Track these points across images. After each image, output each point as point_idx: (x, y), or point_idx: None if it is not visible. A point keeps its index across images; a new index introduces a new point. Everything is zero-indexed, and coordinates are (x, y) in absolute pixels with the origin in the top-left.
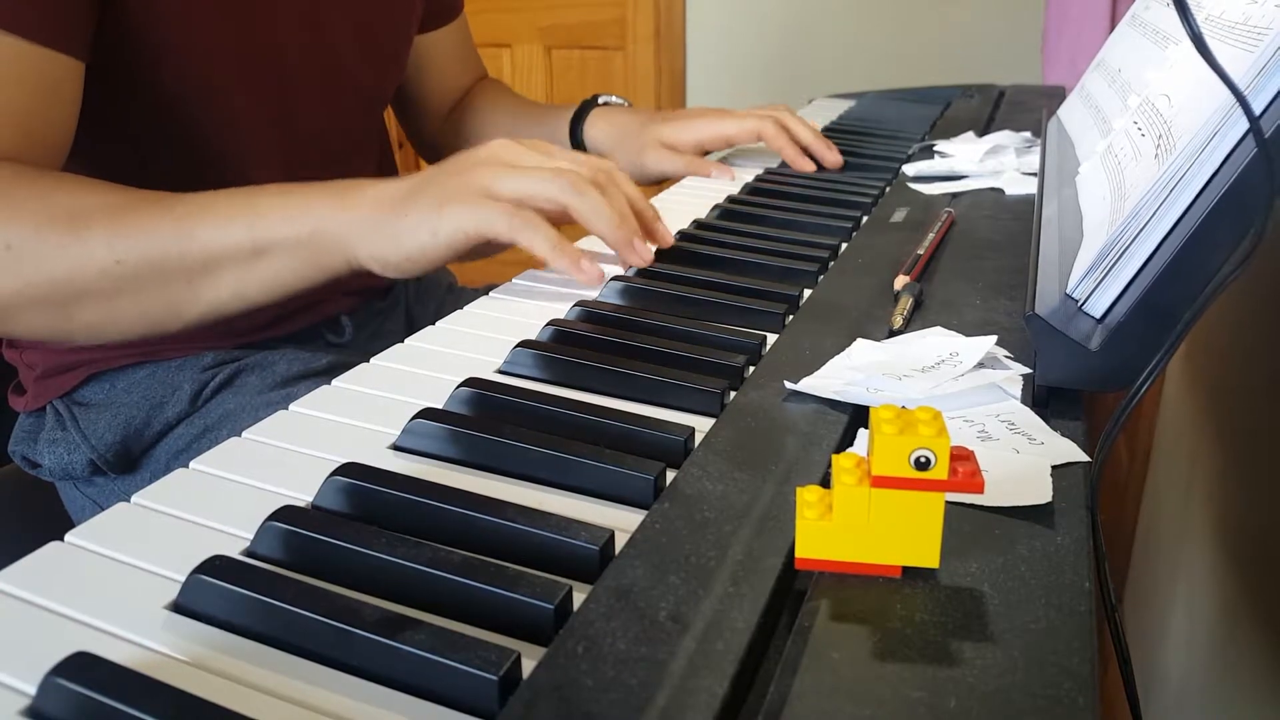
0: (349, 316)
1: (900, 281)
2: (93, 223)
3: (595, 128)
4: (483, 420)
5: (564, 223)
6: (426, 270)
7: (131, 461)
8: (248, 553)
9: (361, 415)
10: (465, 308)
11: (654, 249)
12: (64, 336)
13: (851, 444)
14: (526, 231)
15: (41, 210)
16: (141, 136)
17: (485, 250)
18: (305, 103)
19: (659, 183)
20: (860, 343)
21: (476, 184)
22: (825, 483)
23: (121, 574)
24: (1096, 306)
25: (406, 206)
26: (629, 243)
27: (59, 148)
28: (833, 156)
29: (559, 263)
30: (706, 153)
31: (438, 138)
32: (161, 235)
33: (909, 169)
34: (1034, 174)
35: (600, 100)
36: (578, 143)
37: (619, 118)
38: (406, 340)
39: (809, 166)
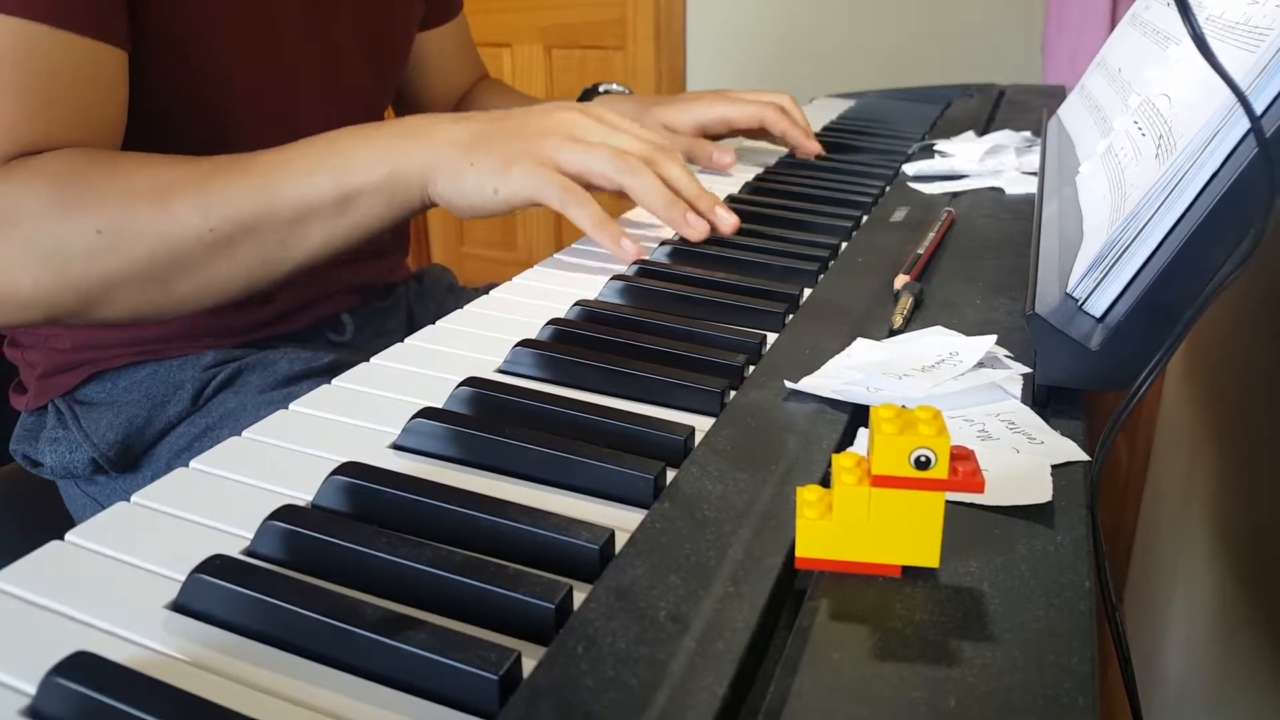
0: (350, 315)
1: (900, 281)
2: (178, 194)
3: None
4: (483, 420)
5: (619, 196)
6: (483, 217)
7: (133, 460)
8: (248, 552)
9: (361, 415)
10: (465, 307)
11: (706, 224)
12: (160, 312)
13: (851, 443)
14: (574, 206)
15: (125, 189)
16: (145, 136)
17: (533, 206)
18: (306, 102)
19: None
20: (860, 342)
21: (542, 152)
22: (825, 482)
23: (122, 573)
24: (1097, 306)
25: (475, 155)
26: (682, 218)
27: (116, 138)
28: (815, 146)
29: (600, 237)
30: (713, 136)
31: None
32: (249, 196)
33: (909, 168)
34: (1034, 174)
35: (601, 89)
36: None
37: (620, 105)
38: (407, 340)
39: (816, 148)
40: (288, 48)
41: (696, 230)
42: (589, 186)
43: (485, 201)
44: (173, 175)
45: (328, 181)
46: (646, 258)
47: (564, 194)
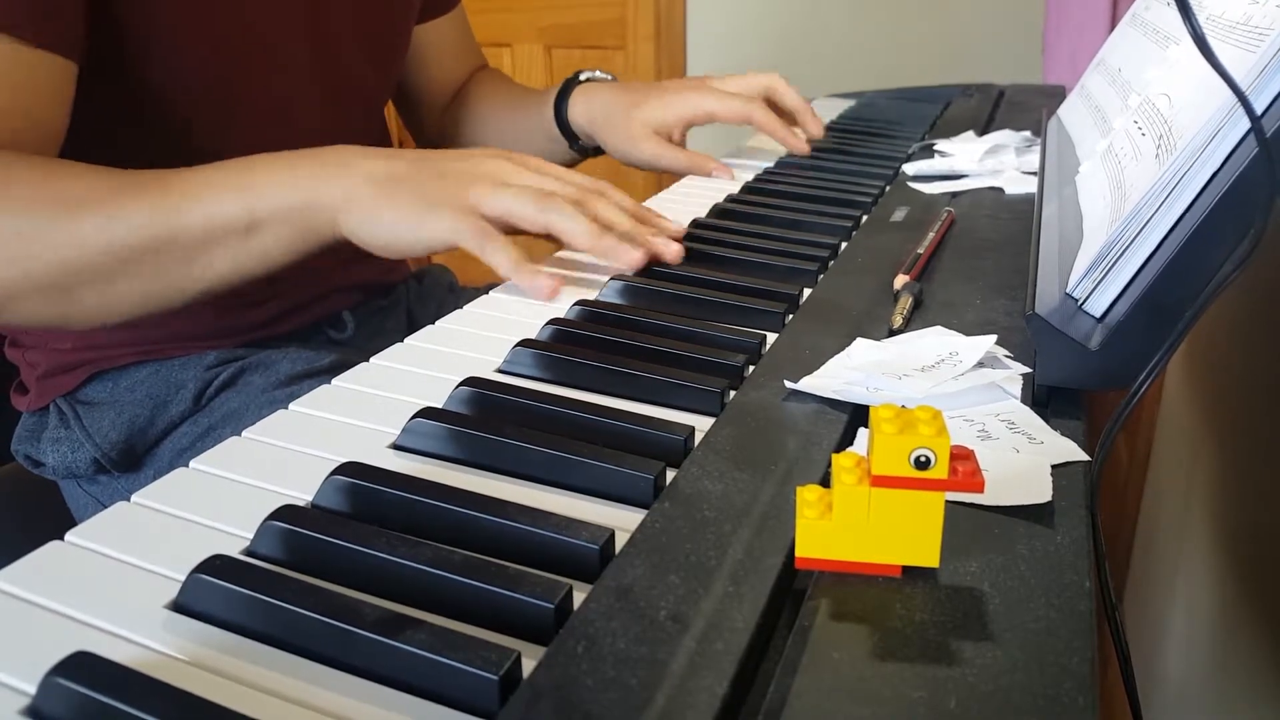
0: (351, 312)
1: (900, 281)
2: (88, 206)
3: (578, 107)
4: (483, 419)
5: (546, 237)
6: (400, 257)
7: (135, 460)
8: (248, 552)
9: (361, 415)
10: (465, 307)
11: (641, 251)
12: (64, 322)
13: (851, 443)
14: (490, 250)
15: (37, 196)
16: (136, 139)
17: (452, 248)
18: (304, 100)
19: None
20: (860, 342)
21: (464, 198)
22: (825, 482)
23: (121, 573)
24: (1097, 306)
25: (394, 194)
26: (613, 247)
27: (50, 150)
28: (815, 127)
29: (518, 279)
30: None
31: (437, 131)
32: (157, 214)
33: (909, 168)
34: (1034, 173)
35: (583, 76)
36: (563, 123)
37: (602, 95)
38: (406, 340)
39: (804, 148)
40: (282, 43)
41: (628, 258)
42: (513, 230)
43: (401, 244)
44: (88, 185)
45: (235, 206)
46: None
47: (481, 238)
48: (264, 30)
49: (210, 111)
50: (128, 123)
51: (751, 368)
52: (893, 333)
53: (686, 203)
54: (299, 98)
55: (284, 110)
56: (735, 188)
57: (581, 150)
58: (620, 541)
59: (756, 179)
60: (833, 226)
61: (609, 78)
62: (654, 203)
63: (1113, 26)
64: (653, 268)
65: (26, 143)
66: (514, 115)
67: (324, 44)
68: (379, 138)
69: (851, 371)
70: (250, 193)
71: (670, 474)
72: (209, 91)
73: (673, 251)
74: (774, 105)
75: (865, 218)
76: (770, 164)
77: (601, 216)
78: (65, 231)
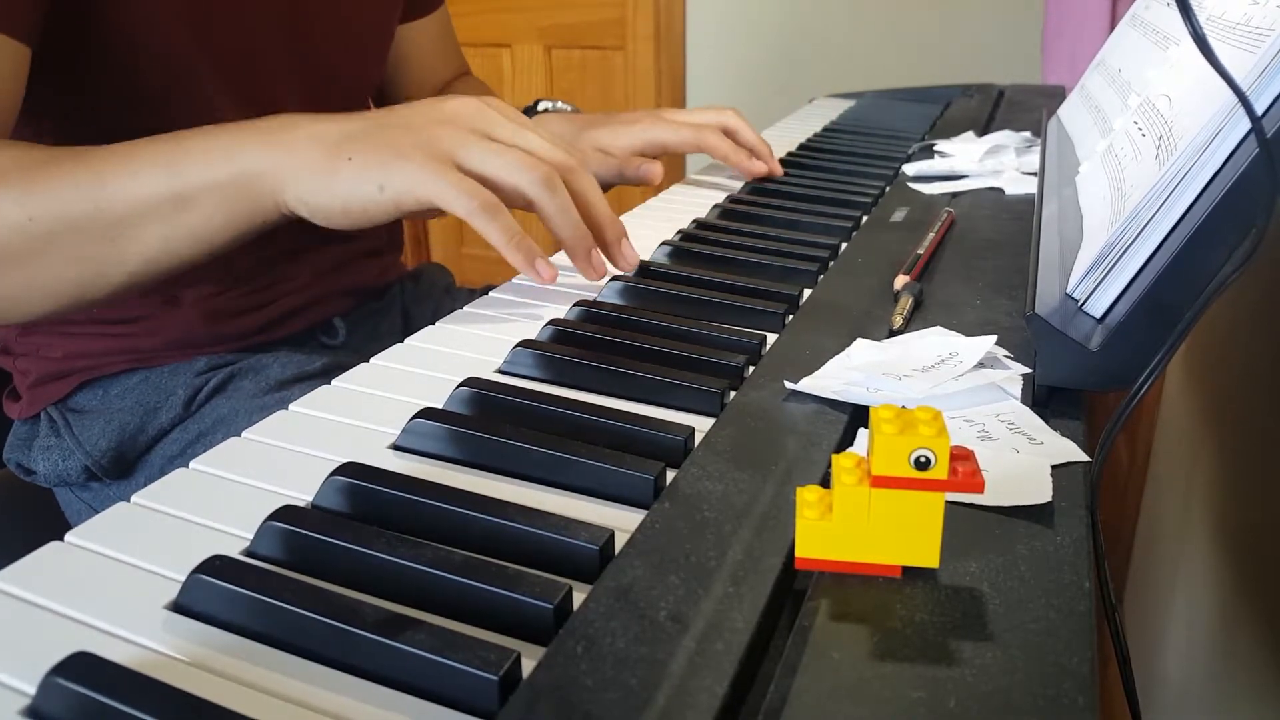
0: (343, 319)
1: (900, 281)
2: (4, 181)
3: None
4: (482, 420)
5: (523, 209)
6: (365, 226)
7: (127, 467)
8: (248, 552)
9: (361, 415)
10: (465, 307)
11: (606, 268)
12: None
13: (851, 444)
14: (484, 218)
15: None
16: (110, 136)
17: (428, 214)
18: (283, 97)
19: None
20: (860, 343)
21: (440, 146)
22: (825, 483)
23: (121, 574)
24: (1097, 306)
25: (351, 149)
26: (587, 254)
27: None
28: (774, 166)
29: (514, 258)
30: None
31: None
32: (76, 189)
33: (909, 169)
34: (1034, 174)
35: (541, 106)
36: None
37: (553, 125)
38: (406, 340)
39: (761, 169)
40: (263, 43)
41: (596, 271)
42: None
43: (365, 203)
44: (6, 160)
45: (161, 177)
46: (646, 259)
47: (470, 200)
48: (239, 26)
49: (183, 110)
50: (95, 121)
51: (751, 368)
52: (893, 333)
53: (687, 203)
54: (278, 96)
55: (262, 109)
56: (736, 187)
57: None
58: (620, 542)
59: (757, 179)
60: (833, 227)
61: (569, 109)
62: (656, 203)
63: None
64: (653, 268)
65: None
66: None
67: (303, 40)
68: None
69: (851, 372)
70: (179, 164)
71: (670, 474)
72: (182, 90)
73: (631, 262)
74: (731, 140)
75: (865, 218)
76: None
77: (583, 192)
78: None
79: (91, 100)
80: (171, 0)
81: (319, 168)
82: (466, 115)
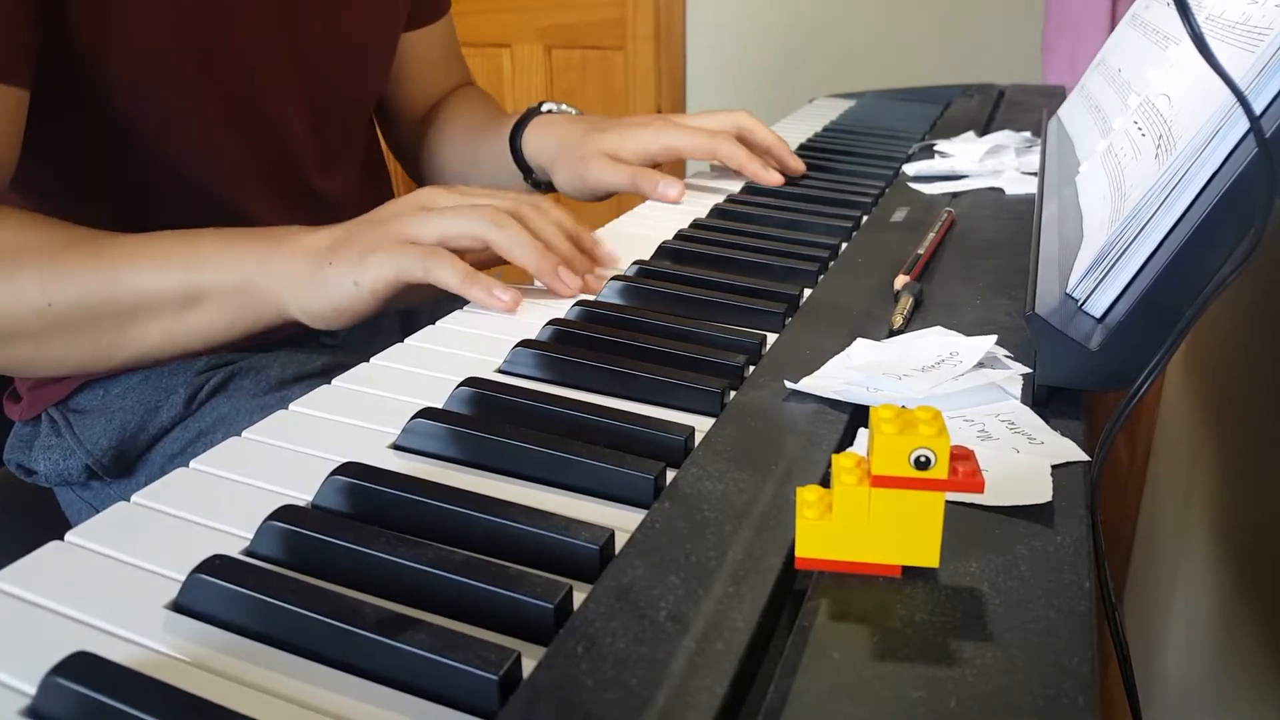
0: None
1: (900, 281)
2: (25, 263)
3: (533, 138)
4: (483, 420)
5: (495, 262)
6: (355, 322)
7: (128, 466)
8: (248, 552)
9: (361, 415)
10: (465, 307)
11: (580, 279)
12: None
13: (851, 444)
14: (436, 268)
15: None
16: (103, 164)
17: (414, 296)
18: (281, 111)
19: (606, 198)
20: (860, 342)
21: (397, 231)
22: (825, 482)
23: (121, 573)
24: (1097, 306)
25: (331, 256)
26: (553, 272)
27: (1, 180)
28: (794, 162)
29: (471, 293)
30: (656, 166)
31: (408, 145)
32: (94, 278)
33: (909, 169)
34: (1034, 174)
35: (544, 108)
36: (516, 152)
37: (558, 128)
38: (406, 340)
39: (776, 180)
40: (259, 55)
41: (570, 286)
42: (455, 252)
43: (349, 299)
44: (27, 240)
45: (176, 276)
46: (645, 259)
47: (423, 260)
48: (234, 41)
49: (180, 122)
50: (87, 147)
51: (751, 368)
52: (893, 333)
53: (686, 203)
54: (275, 110)
55: (259, 123)
56: (736, 187)
57: (535, 184)
58: (620, 542)
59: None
60: (833, 227)
61: (572, 111)
62: (655, 203)
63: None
64: (653, 268)
65: None
66: (476, 141)
67: (301, 53)
68: (365, 148)
69: (851, 372)
70: (194, 265)
71: (670, 474)
72: (175, 108)
73: (612, 263)
74: (746, 143)
75: (865, 218)
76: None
77: (540, 234)
78: (2, 285)
79: (90, 121)
80: (167, 17)
81: (308, 277)
82: (418, 199)
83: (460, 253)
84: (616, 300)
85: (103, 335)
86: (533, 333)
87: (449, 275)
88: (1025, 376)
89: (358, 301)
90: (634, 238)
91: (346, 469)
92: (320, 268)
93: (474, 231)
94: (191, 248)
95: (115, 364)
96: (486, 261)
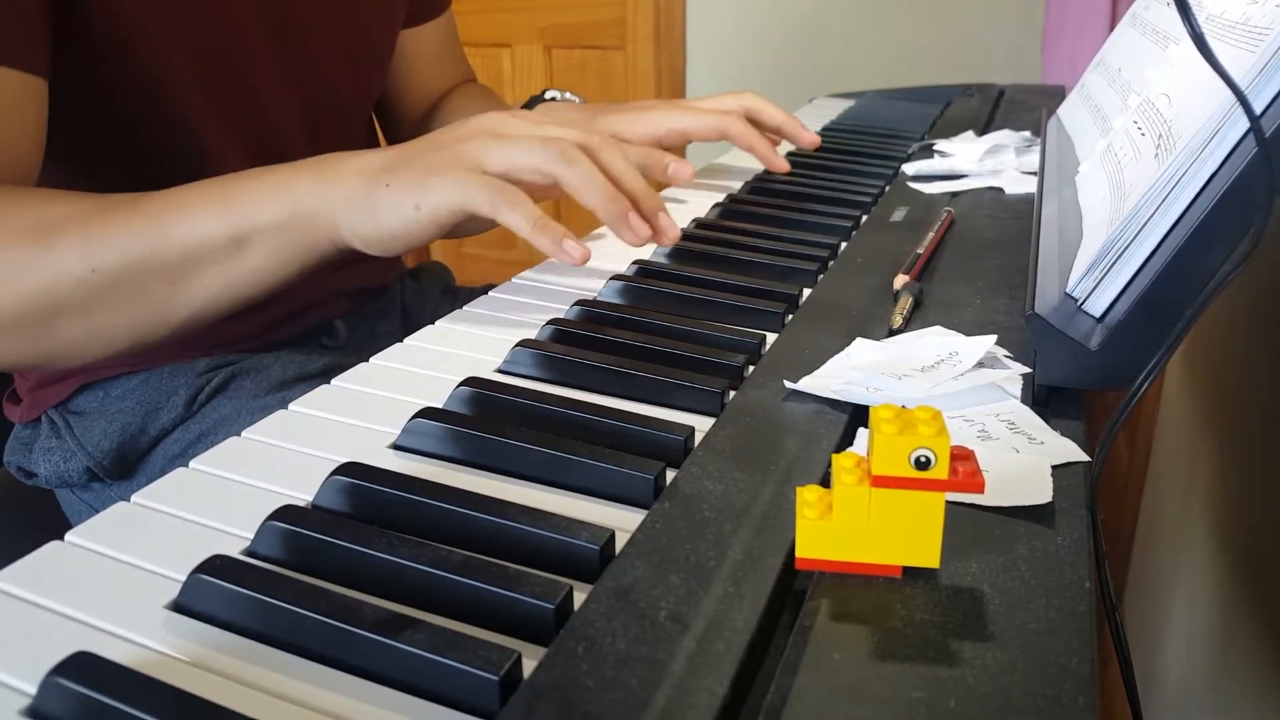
0: (343, 320)
1: (900, 281)
2: (63, 233)
3: None
4: (483, 420)
5: (558, 196)
6: (412, 247)
7: (128, 467)
8: (248, 552)
9: (361, 415)
10: (465, 307)
11: (648, 228)
12: (47, 358)
13: (851, 444)
14: (506, 208)
15: (8, 226)
16: (100, 158)
17: (472, 226)
18: (277, 111)
19: None
20: (860, 342)
21: (463, 157)
22: (825, 482)
23: (121, 573)
24: (1096, 305)
25: (390, 176)
26: (623, 218)
27: (27, 169)
28: (808, 136)
29: (540, 241)
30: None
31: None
32: (134, 237)
33: (909, 168)
34: (1034, 173)
35: (548, 95)
36: None
37: (561, 113)
38: (406, 340)
39: (784, 166)
40: (255, 55)
41: (638, 234)
42: (520, 186)
43: (407, 224)
44: (61, 212)
45: (218, 221)
46: (645, 258)
47: (492, 194)
48: (231, 39)
49: (177, 128)
50: (85, 143)
51: (751, 368)
52: (893, 333)
53: (687, 203)
54: (271, 110)
55: (255, 122)
56: (736, 187)
57: None
58: (620, 542)
59: (757, 179)
60: (833, 226)
61: (576, 99)
62: None
63: (1113, 26)
64: (652, 268)
65: (4, 166)
66: None
67: (297, 53)
68: (363, 148)
69: (851, 371)
70: (233, 208)
71: (670, 474)
72: (174, 107)
73: (673, 236)
74: (756, 123)
75: (865, 218)
76: (739, 184)
77: (610, 167)
78: (39, 260)
79: (77, 127)
80: (159, 15)
81: (362, 198)
82: (487, 124)
83: (520, 184)
84: (616, 300)
85: (154, 294)
86: (532, 332)
87: (519, 220)
88: (1025, 376)
89: (415, 226)
90: None
91: (346, 469)
92: (376, 188)
93: (545, 167)
94: (230, 189)
95: (175, 325)
96: (546, 192)
